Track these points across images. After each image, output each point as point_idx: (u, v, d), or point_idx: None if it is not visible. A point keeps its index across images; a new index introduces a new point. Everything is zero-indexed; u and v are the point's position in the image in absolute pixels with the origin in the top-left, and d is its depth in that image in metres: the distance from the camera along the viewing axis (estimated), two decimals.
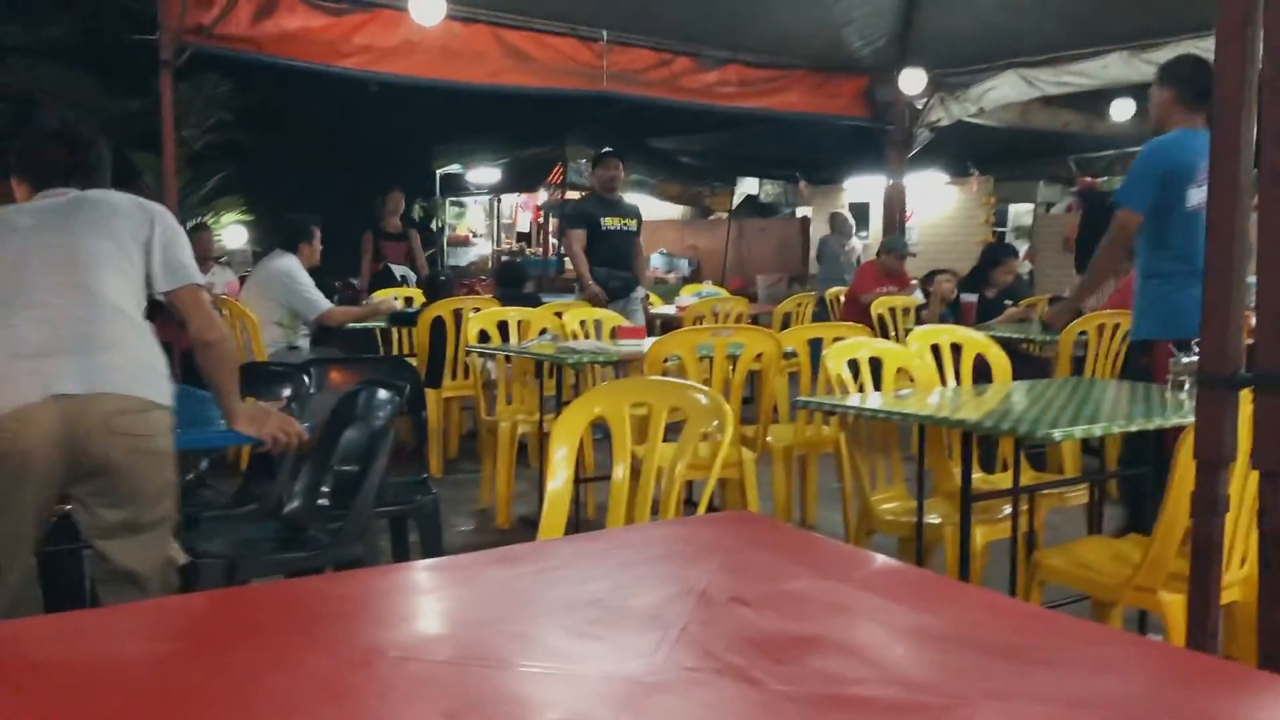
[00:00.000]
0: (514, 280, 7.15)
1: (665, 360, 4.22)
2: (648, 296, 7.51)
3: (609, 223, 6.76)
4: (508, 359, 5.24)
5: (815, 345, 4.67)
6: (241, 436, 2.70)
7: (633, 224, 6.86)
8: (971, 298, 6.23)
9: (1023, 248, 11.93)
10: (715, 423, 2.33)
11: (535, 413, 5.10)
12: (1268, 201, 1.94)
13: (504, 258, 13.81)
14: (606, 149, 7.08)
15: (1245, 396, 2.07)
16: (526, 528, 4.93)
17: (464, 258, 15.88)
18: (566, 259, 14.51)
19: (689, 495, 4.56)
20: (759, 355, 4.38)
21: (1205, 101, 3.86)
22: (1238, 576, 2.63)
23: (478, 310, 5.75)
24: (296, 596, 1.48)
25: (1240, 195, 2.00)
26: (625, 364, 4.68)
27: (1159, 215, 3.93)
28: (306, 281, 5.83)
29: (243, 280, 7.55)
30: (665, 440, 2.52)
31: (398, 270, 8.01)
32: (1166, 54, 7.66)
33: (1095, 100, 10.02)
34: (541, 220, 15.63)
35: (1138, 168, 3.95)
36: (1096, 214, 7.43)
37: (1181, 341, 3.14)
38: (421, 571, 1.69)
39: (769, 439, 4.56)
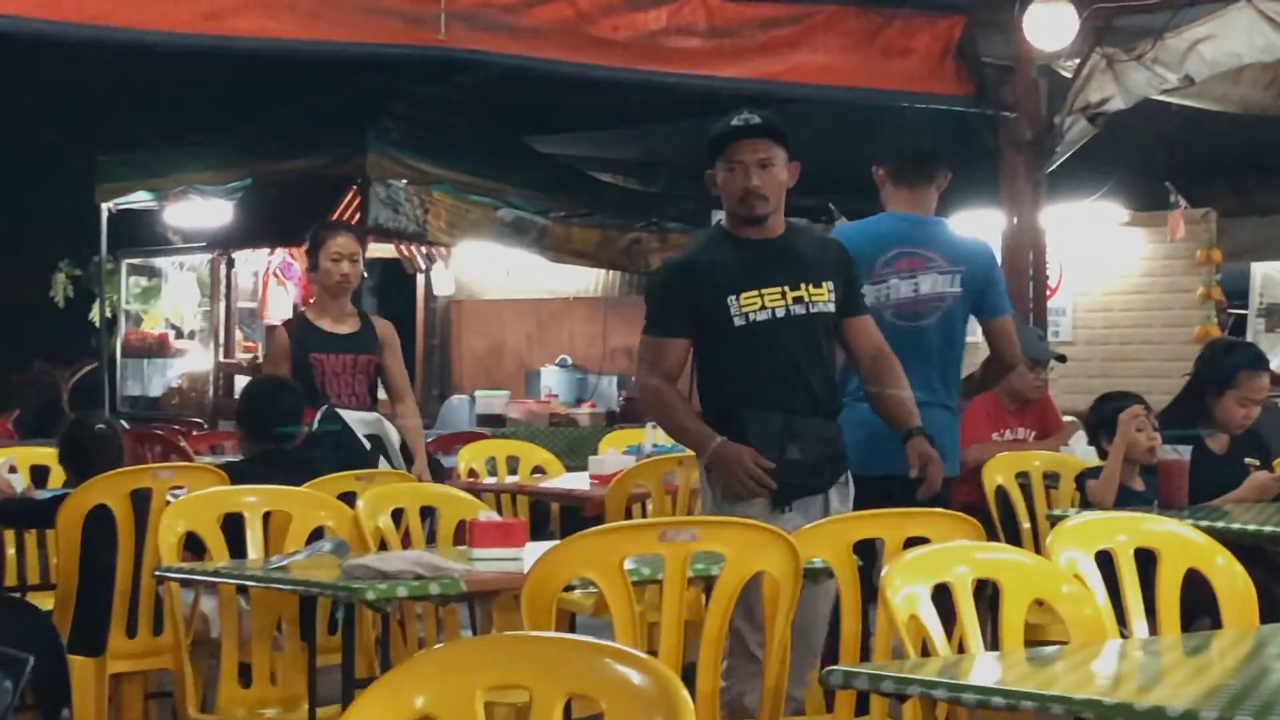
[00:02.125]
0: (280, 415, 6.80)
1: (567, 589, 4.22)
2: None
3: (752, 301, 5.67)
4: (242, 591, 5.20)
5: (869, 553, 4.69)
6: None
7: (822, 293, 5.79)
8: (1179, 452, 6.32)
9: (1279, 348, 12.22)
10: None
11: (300, 705, 5.08)
12: None
13: (254, 380, 13.54)
14: (746, 115, 5.83)
15: None
16: None
17: (156, 379, 15.83)
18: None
19: None
20: (757, 575, 4.41)
21: (926, 181, 6.71)
22: None
23: (182, 490, 5.72)
24: None
25: None
26: (484, 600, 4.66)
27: None
28: None
29: None
30: None
31: (354, 420, 7.09)
32: None
33: None
34: None
35: None
36: None
37: None
38: None
39: None
